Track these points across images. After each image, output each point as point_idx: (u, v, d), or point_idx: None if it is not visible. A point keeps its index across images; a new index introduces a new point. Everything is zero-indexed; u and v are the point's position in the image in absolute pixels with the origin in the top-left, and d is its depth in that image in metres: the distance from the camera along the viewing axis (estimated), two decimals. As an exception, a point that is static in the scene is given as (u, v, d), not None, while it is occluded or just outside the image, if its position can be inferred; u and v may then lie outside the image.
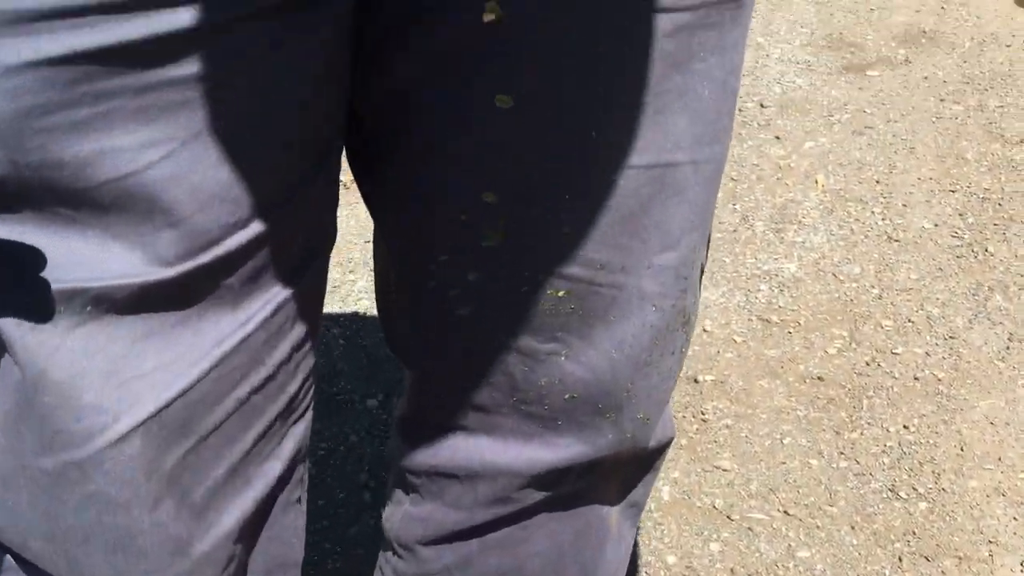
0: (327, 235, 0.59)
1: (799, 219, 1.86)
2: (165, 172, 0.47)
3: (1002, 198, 1.87)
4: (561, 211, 0.55)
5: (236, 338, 0.53)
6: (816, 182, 1.96)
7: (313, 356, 0.60)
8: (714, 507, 1.32)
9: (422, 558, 0.71)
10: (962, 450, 1.37)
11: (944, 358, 1.52)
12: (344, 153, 0.61)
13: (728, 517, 1.30)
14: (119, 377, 0.50)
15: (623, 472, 0.70)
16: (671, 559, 1.26)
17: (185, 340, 0.51)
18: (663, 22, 0.51)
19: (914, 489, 1.32)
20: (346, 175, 0.63)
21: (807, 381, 1.50)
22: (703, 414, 1.46)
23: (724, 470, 1.37)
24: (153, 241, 0.48)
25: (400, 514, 0.72)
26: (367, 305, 1.71)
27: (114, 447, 0.51)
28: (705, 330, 1.60)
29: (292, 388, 0.58)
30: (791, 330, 1.60)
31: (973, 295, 1.64)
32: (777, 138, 2.11)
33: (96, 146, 0.46)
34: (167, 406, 0.51)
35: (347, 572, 1.26)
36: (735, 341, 1.58)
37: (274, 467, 0.59)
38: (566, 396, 0.62)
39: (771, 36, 2.53)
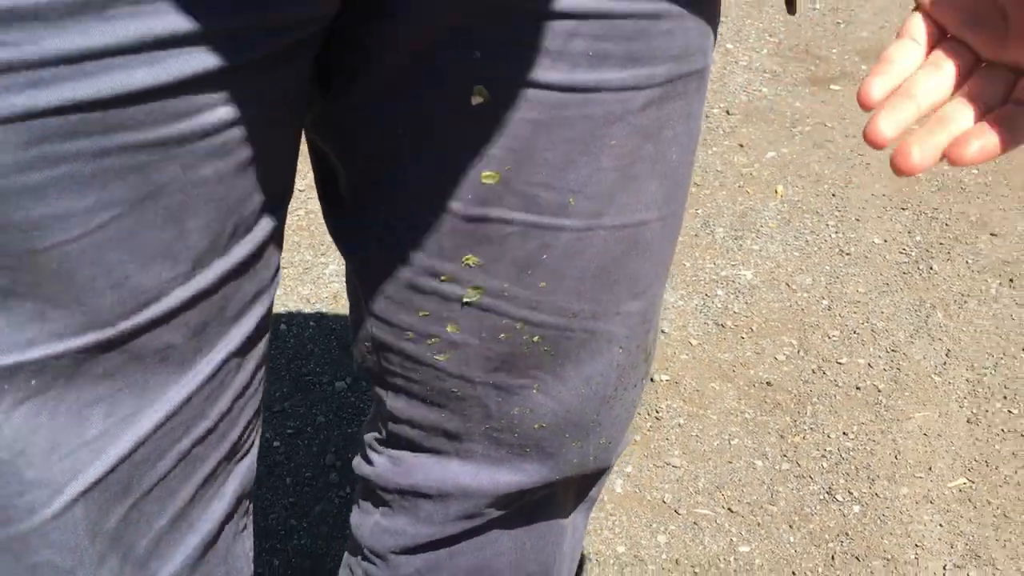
0: (272, 277, 0.58)
1: (758, 227, 1.93)
2: (110, 234, 0.45)
3: (949, 218, 1.96)
4: (539, 269, 0.59)
5: (180, 396, 0.52)
6: (776, 192, 2.04)
7: (258, 396, 0.60)
8: (663, 501, 1.39)
9: (394, 564, 0.75)
10: (896, 458, 1.46)
11: (885, 370, 1.61)
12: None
13: (676, 511, 1.38)
14: (63, 449, 0.49)
15: (582, 482, 0.76)
16: (620, 549, 1.33)
17: (130, 403, 0.51)
18: (636, 99, 0.54)
19: (850, 493, 1.40)
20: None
21: (756, 385, 1.58)
22: (657, 412, 1.53)
23: (674, 466, 1.44)
24: (95, 303, 0.46)
25: (371, 524, 0.75)
26: (338, 288, 1.75)
27: (59, 517, 0.51)
28: (663, 332, 1.67)
29: (234, 435, 0.58)
30: (744, 335, 1.67)
31: (916, 311, 1.73)
32: (741, 146, 2.18)
33: (48, 210, 0.43)
34: (112, 471, 0.51)
35: (312, 548, 1.32)
36: (691, 343, 1.66)
37: (219, 507, 0.59)
38: (536, 425, 0.67)
39: (740, 43, 2.60)
